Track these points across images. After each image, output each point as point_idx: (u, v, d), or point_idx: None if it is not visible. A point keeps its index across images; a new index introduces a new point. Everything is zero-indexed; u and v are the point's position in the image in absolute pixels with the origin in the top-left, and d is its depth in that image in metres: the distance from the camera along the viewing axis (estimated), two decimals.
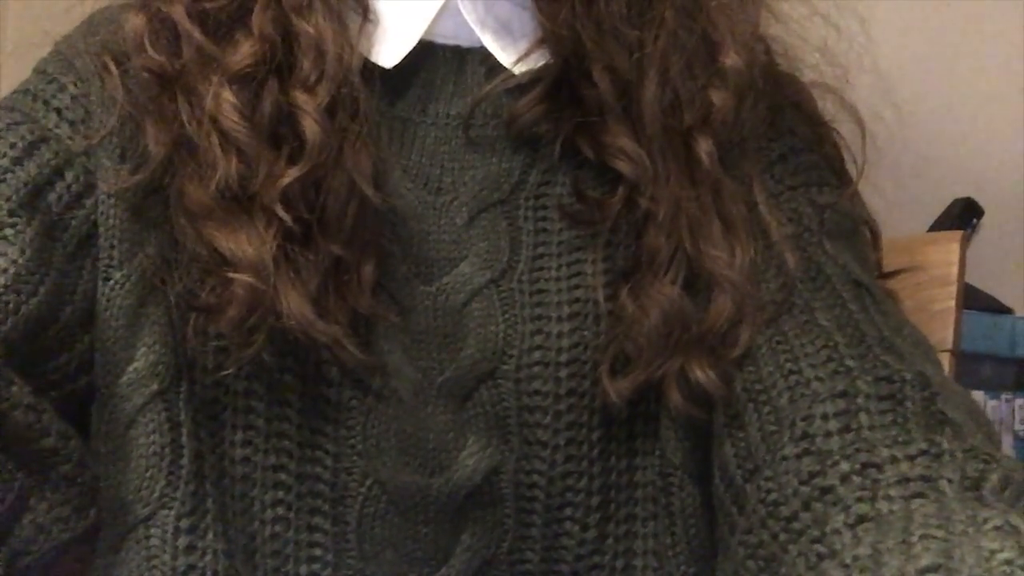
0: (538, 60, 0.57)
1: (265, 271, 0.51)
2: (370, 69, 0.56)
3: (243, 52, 0.53)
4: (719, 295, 0.54)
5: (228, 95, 0.52)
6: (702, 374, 0.53)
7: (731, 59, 0.56)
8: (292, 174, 0.52)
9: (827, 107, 0.62)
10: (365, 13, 0.57)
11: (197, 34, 0.54)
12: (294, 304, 0.51)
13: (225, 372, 0.53)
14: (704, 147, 0.55)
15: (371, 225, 0.54)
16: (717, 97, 0.55)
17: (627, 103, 0.55)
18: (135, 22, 0.55)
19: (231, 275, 0.51)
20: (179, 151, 0.53)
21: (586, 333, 0.55)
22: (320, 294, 0.52)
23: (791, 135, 0.60)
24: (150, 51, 0.54)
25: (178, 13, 0.54)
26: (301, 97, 0.53)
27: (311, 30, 0.54)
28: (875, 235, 0.61)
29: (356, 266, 0.53)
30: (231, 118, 0.52)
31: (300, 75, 0.53)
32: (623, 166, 0.55)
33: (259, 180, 0.52)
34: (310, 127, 0.52)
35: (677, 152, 0.55)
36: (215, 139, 0.52)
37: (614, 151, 0.55)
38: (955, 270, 0.76)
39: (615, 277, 0.56)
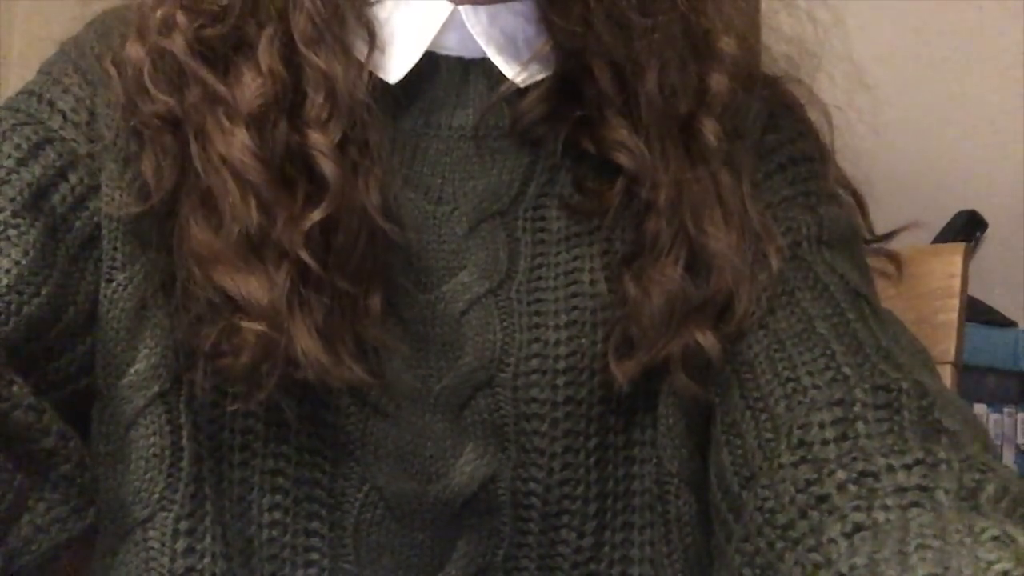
0: (541, 72, 0.58)
1: (278, 318, 0.50)
2: (374, 84, 0.56)
3: (253, 91, 0.52)
4: (719, 271, 0.54)
5: (242, 136, 0.51)
6: (703, 339, 0.53)
7: (725, 43, 0.57)
8: (315, 217, 0.50)
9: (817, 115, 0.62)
10: (372, 40, 0.56)
11: (203, 72, 0.52)
12: (307, 349, 0.50)
13: (232, 408, 0.53)
14: (710, 127, 0.56)
15: (380, 255, 0.53)
16: (714, 81, 0.56)
17: (626, 96, 0.56)
18: (135, 54, 0.54)
19: (243, 324, 0.50)
20: (186, 190, 0.52)
21: (583, 341, 0.55)
22: (328, 326, 0.51)
23: (789, 145, 0.61)
24: (153, 91, 0.53)
25: (179, 47, 0.53)
26: (314, 136, 0.51)
27: (322, 65, 0.52)
28: (860, 202, 0.62)
29: (364, 297, 0.53)
30: (245, 160, 0.50)
31: (311, 112, 0.52)
32: (622, 158, 0.56)
33: (279, 225, 0.50)
34: (329, 168, 0.51)
35: (676, 137, 0.56)
36: (231, 184, 0.51)
37: (613, 144, 0.56)
38: (958, 282, 0.76)
39: (615, 270, 0.56)
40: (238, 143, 0.51)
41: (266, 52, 0.52)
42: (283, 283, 0.50)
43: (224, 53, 0.53)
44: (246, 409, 0.53)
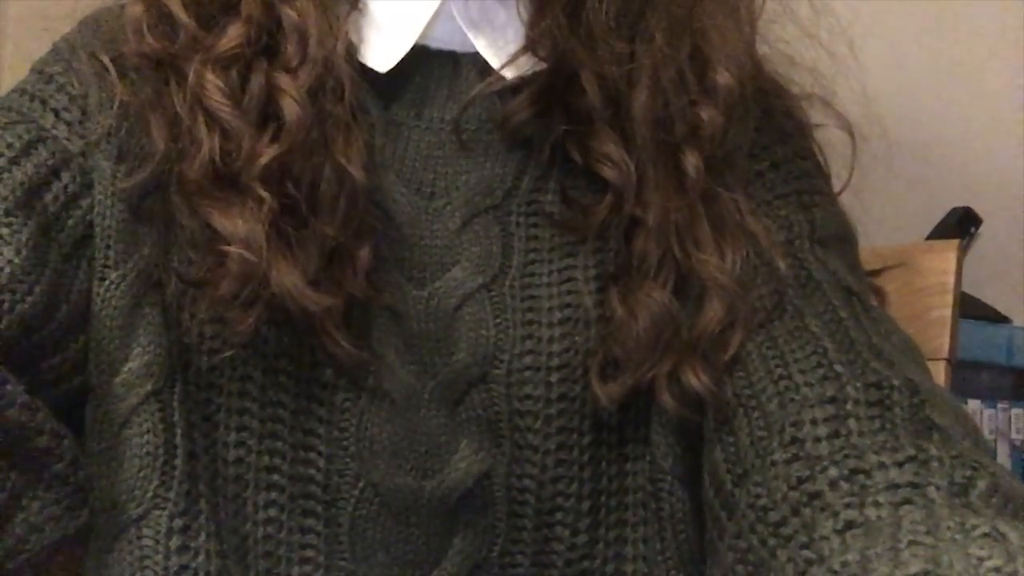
0: (532, 66, 0.58)
1: (256, 244, 0.51)
2: (365, 72, 0.57)
3: (229, 35, 0.54)
4: (710, 300, 0.54)
5: (211, 76, 0.53)
6: (694, 379, 0.53)
7: (722, 76, 0.56)
8: (271, 152, 0.52)
9: (816, 116, 0.62)
10: (354, 3, 0.58)
11: (189, 22, 0.55)
12: (286, 277, 0.51)
13: (224, 355, 0.54)
14: (692, 161, 0.55)
15: (364, 210, 0.54)
16: (706, 114, 0.56)
17: (616, 111, 0.56)
18: (134, 10, 0.56)
19: (224, 248, 0.51)
20: (176, 138, 0.54)
21: (577, 338, 0.55)
22: (315, 276, 0.52)
23: (783, 144, 0.60)
24: (148, 38, 0.55)
25: (174, 3, 0.55)
26: (283, 79, 0.54)
27: (294, 14, 0.55)
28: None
29: (351, 250, 0.53)
30: (214, 97, 0.53)
31: (283, 58, 0.54)
32: (609, 172, 0.56)
33: (241, 158, 0.52)
34: (289, 107, 0.53)
35: (666, 162, 0.56)
36: (200, 118, 0.53)
37: (600, 157, 0.56)
38: (952, 279, 0.77)
39: (605, 282, 0.56)
40: (208, 82, 0.53)
41: (247, 2, 0.55)
42: (261, 216, 0.52)
43: (216, 12, 0.56)
44: (236, 372, 0.54)
